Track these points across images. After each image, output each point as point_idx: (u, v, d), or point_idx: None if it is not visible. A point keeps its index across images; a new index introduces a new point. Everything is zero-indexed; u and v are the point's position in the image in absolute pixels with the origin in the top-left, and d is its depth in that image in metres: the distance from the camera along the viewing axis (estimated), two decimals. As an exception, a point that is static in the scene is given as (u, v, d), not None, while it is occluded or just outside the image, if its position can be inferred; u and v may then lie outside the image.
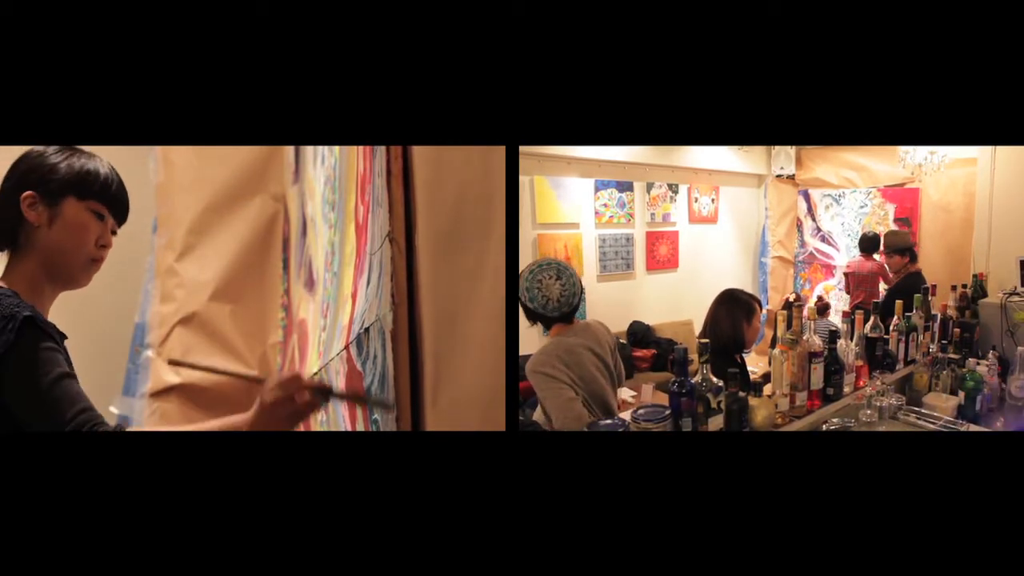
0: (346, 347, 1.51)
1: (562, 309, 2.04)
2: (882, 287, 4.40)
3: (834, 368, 1.93)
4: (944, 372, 2.25)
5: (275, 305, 2.29)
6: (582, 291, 2.12)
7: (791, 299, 4.53)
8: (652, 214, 5.06)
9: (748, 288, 4.57)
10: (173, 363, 1.60)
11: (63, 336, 1.34)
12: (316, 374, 1.77)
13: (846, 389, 2.00)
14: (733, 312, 2.44)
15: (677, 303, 5.13)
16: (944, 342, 2.46)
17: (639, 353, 4.53)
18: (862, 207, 5.22)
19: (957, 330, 2.52)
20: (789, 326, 1.87)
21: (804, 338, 1.86)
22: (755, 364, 3.64)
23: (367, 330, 1.37)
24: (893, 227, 4.84)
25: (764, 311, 4.72)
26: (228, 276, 2.22)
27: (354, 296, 1.49)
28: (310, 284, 1.95)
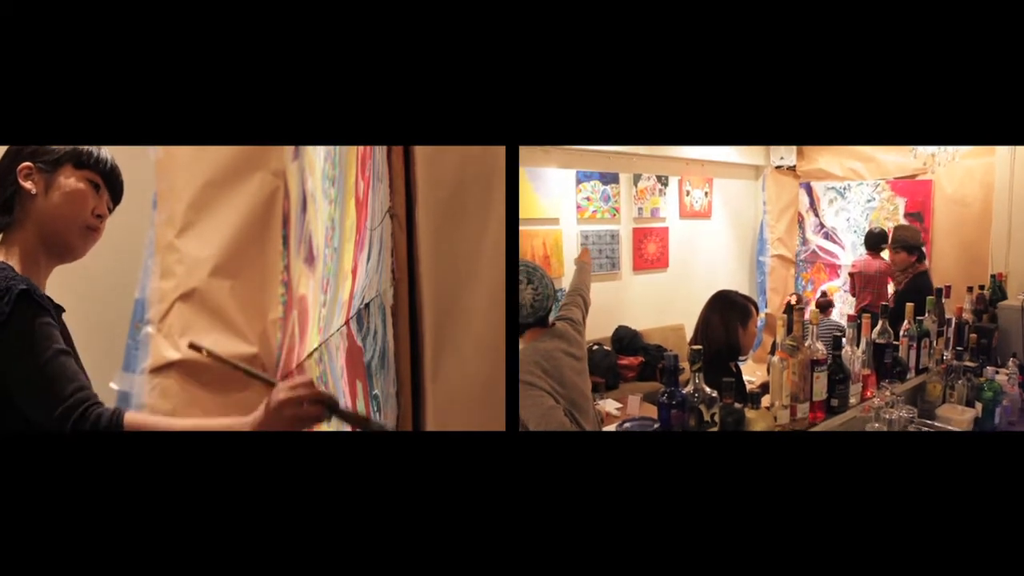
0: (346, 323, 1.62)
1: (536, 314, 2.06)
2: (891, 288, 4.38)
3: (838, 377, 1.94)
4: (959, 382, 2.26)
5: (275, 281, 2.43)
6: (556, 292, 2.13)
7: (792, 302, 4.52)
8: (639, 208, 5.11)
9: (745, 290, 4.59)
10: (193, 347, 1.70)
11: (60, 309, 1.43)
12: (316, 350, 1.89)
13: (852, 400, 2.01)
14: (727, 316, 2.41)
15: (667, 306, 5.20)
16: (959, 349, 2.46)
17: (625, 361, 4.51)
18: (869, 201, 5.22)
19: (974, 335, 2.53)
20: (789, 330, 1.87)
21: (806, 344, 1.86)
22: (752, 373, 3.61)
23: (367, 305, 1.48)
24: (904, 223, 4.82)
25: (762, 315, 4.73)
26: (228, 252, 2.36)
27: (354, 272, 1.61)
28: (310, 260, 2.07)
